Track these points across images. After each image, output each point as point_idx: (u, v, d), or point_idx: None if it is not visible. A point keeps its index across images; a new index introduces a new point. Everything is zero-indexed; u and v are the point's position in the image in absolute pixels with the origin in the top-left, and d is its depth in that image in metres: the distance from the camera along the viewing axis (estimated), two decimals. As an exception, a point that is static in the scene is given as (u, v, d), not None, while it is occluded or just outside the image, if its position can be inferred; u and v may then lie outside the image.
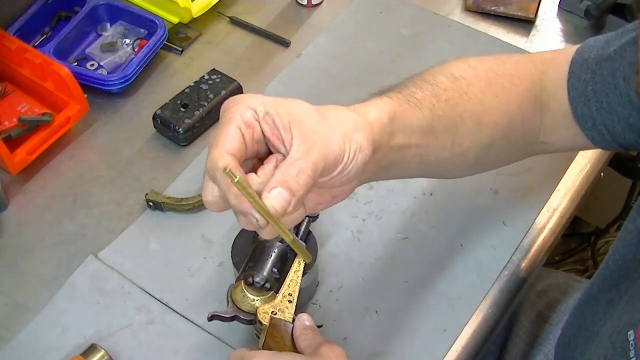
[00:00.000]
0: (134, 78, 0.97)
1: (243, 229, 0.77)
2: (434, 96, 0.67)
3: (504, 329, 0.94)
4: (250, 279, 0.68)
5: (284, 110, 0.56)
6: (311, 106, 0.58)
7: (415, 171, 0.71)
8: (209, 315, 0.68)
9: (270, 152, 0.57)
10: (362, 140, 0.58)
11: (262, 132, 0.56)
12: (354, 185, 0.61)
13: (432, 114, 0.66)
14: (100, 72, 0.99)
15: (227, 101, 0.57)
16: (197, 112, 0.92)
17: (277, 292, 0.69)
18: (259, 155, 0.58)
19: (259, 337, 0.67)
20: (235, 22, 1.08)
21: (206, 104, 0.93)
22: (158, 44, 0.99)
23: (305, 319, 0.67)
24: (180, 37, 1.05)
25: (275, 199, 0.53)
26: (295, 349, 0.65)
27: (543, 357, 0.89)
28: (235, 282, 0.69)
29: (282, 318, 0.67)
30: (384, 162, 0.63)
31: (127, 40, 1.03)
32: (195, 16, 1.05)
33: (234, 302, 0.68)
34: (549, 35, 1.07)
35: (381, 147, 0.61)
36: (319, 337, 0.64)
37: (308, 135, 0.55)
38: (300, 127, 0.55)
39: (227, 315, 0.68)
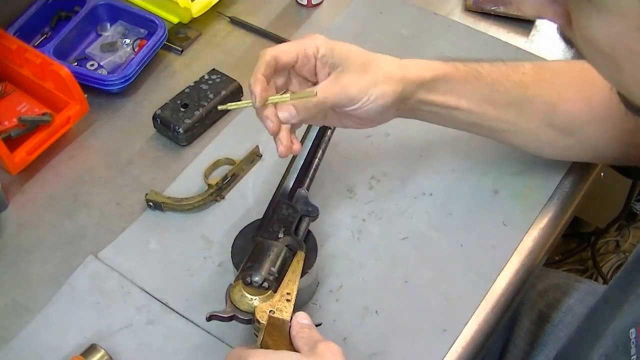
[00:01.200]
0: (134, 78, 0.96)
1: (243, 229, 0.77)
2: (503, 75, 0.77)
3: (505, 328, 0.94)
4: (248, 279, 0.68)
5: (340, 57, 0.71)
6: (364, 57, 0.73)
7: (470, 129, 0.82)
8: (208, 315, 0.68)
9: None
10: (387, 90, 0.72)
11: (315, 66, 0.71)
12: (385, 119, 0.76)
13: (491, 88, 0.76)
14: (100, 72, 0.99)
15: (307, 35, 0.73)
16: (197, 112, 0.92)
17: (275, 291, 0.69)
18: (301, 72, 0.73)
19: (257, 337, 0.67)
20: (235, 22, 1.08)
21: (206, 104, 0.93)
22: (158, 44, 0.99)
23: (302, 317, 0.67)
24: (180, 37, 1.05)
25: (282, 113, 0.69)
26: (292, 347, 0.65)
27: (544, 358, 0.89)
28: (234, 281, 0.69)
29: (280, 317, 0.67)
30: (419, 109, 0.77)
31: (127, 40, 1.03)
32: (195, 16, 1.05)
33: (232, 302, 0.68)
34: (549, 35, 1.07)
35: (412, 98, 0.74)
36: (316, 335, 0.65)
37: (338, 79, 0.71)
38: (342, 72, 0.71)
39: (226, 315, 0.68)
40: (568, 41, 0.53)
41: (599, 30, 0.47)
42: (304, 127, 0.81)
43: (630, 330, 0.62)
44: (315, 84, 0.72)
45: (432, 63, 0.75)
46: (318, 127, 0.83)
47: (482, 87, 0.76)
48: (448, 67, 0.76)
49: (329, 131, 0.83)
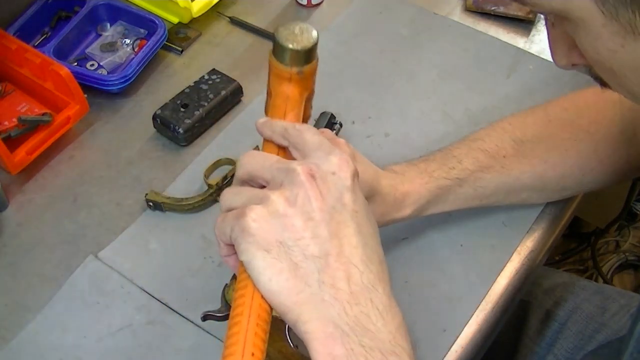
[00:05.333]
0: (134, 78, 0.96)
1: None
2: (485, 167, 0.77)
3: (513, 328, 0.94)
4: None
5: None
6: (369, 188, 0.69)
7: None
8: (202, 315, 0.69)
9: None
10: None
11: None
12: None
13: (475, 187, 0.78)
14: (100, 72, 0.99)
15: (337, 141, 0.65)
16: (197, 112, 0.92)
17: None
18: None
19: None
20: (235, 22, 1.08)
21: (206, 104, 0.93)
22: (158, 44, 0.99)
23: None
24: (180, 37, 1.05)
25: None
26: (287, 341, 0.65)
27: (553, 358, 0.89)
28: (230, 281, 0.70)
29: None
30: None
31: (127, 40, 1.03)
32: (195, 16, 1.05)
33: (226, 301, 0.69)
34: (549, 35, 1.06)
35: (398, 221, 0.75)
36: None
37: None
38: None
39: (220, 314, 0.68)
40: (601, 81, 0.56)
41: (585, 42, 0.51)
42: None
43: None
44: None
45: (423, 186, 0.75)
46: (322, 127, 0.83)
47: (466, 190, 0.78)
48: (430, 191, 0.76)
49: (333, 132, 0.83)
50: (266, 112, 0.63)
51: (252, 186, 0.57)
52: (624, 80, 0.52)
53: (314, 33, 0.60)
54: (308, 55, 0.60)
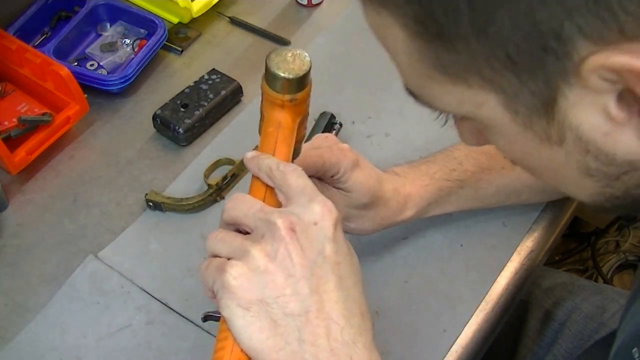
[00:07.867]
0: (134, 78, 0.96)
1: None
2: (486, 169, 0.78)
3: (512, 329, 0.94)
4: None
5: (350, 187, 0.70)
6: (371, 196, 0.71)
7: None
8: (203, 316, 0.69)
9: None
10: (367, 228, 0.74)
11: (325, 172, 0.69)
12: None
13: (476, 188, 0.78)
14: (100, 72, 0.99)
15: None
16: (197, 112, 0.92)
17: None
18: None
19: None
20: (235, 22, 1.08)
21: (206, 104, 0.93)
22: (158, 44, 0.99)
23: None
24: (180, 37, 1.05)
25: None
26: None
27: (552, 358, 0.89)
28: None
29: None
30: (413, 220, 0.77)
31: (127, 40, 1.03)
32: (195, 16, 1.05)
33: None
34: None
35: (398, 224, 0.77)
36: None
37: (335, 192, 0.71)
38: (343, 193, 0.70)
39: (220, 315, 0.68)
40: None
41: (498, 144, 0.50)
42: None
43: (633, 350, 0.61)
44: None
45: (419, 199, 0.75)
46: (321, 128, 0.83)
47: (467, 192, 0.78)
48: (432, 193, 0.76)
49: (333, 132, 0.83)
50: (260, 134, 0.63)
51: (238, 230, 0.57)
52: (539, 176, 0.52)
53: (307, 59, 0.58)
54: (301, 82, 0.59)
